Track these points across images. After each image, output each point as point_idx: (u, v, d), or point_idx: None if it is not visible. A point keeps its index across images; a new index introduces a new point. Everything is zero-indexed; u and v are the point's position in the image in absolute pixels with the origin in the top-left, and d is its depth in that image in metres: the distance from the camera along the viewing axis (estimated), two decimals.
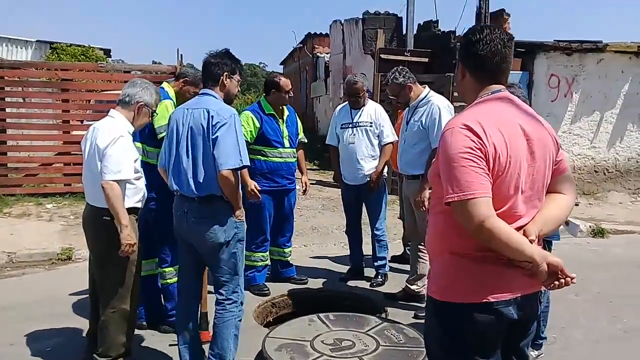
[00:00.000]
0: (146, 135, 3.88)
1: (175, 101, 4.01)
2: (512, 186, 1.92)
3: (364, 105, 5.03)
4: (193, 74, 4.04)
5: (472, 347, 1.98)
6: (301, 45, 21.26)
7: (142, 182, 3.33)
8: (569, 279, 1.91)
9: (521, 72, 9.08)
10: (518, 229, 1.93)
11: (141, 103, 3.32)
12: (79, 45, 18.61)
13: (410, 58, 9.35)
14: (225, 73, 3.21)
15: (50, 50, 18.25)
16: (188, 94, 4.01)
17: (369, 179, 4.95)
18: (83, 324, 4.12)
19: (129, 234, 3.08)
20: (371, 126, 4.96)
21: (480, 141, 1.86)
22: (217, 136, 3.00)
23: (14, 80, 8.30)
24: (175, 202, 3.26)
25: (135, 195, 3.27)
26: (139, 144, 3.89)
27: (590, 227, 7.38)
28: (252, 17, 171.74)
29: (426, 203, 4.17)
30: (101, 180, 3.05)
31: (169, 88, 4.07)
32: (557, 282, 1.92)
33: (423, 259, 4.56)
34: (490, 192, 1.84)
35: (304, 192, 5.15)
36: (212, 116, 3.03)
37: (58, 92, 8.27)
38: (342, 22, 14.17)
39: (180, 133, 3.14)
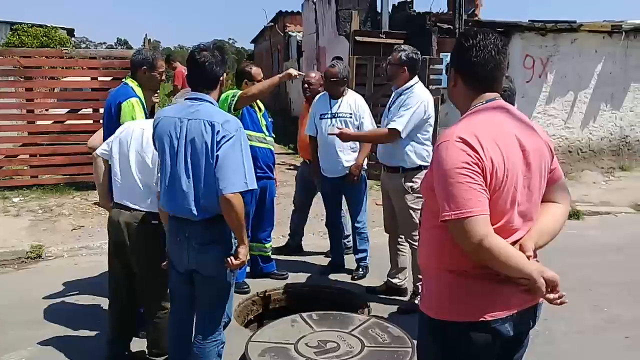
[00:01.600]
0: None
1: (142, 97, 3.81)
2: (508, 200, 1.85)
3: (343, 95, 4.89)
4: (148, 59, 3.79)
5: None
6: (272, 23, 20.87)
7: None
8: (559, 299, 1.88)
9: None
10: (513, 243, 1.87)
11: None
12: (41, 26, 17.89)
13: (385, 40, 9.19)
14: (225, 73, 2.86)
15: (10, 32, 17.53)
16: (155, 80, 3.87)
17: (348, 172, 4.85)
18: (57, 330, 4.00)
19: None
20: (351, 117, 4.82)
21: (477, 155, 1.77)
22: (221, 153, 2.62)
23: None
24: (171, 225, 2.87)
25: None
26: None
27: None
28: None
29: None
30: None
31: (132, 83, 3.81)
32: (552, 296, 1.88)
33: (402, 251, 4.52)
34: (488, 209, 1.76)
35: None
36: (218, 130, 2.63)
37: (21, 80, 7.91)
38: (315, 1, 13.89)
39: (177, 148, 2.72)
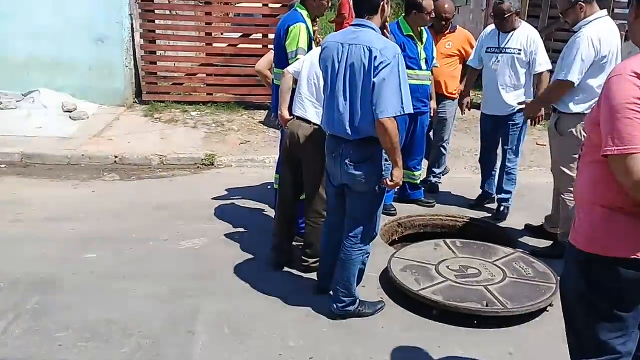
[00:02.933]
0: (281, 61, 4.01)
1: (309, 24, 4.02)
2: None
3: (514, 28, 4.61)
4: None
5: (613, 301, 1.92)
6: None
7: None
8: None
9: None
10: None
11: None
12: None
13: None
14: None
15: None
16: (322, 8, 4.10)
17: (506, 108, 4.67)
18: (225, 226, 4.59)
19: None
20: (519, 54, 4.55)
21: None
22: (378, 79, 2.78)
23: None
24: (328, 141, 3.14)
25: None
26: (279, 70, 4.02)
27: None
28: None
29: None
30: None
31: (302, 10, 4.03)
32: None
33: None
34: None
35: (432, 117, 5.04)
36: (375, 56, 2.79)
37: (201, 5, 8.60)
38: None
39: (337, 71, 2.93)
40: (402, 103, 2.82)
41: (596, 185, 1.91)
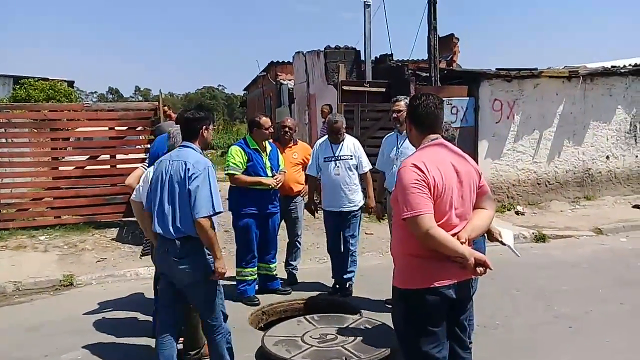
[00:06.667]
0: None
1: None
2: (447, 205, 2.78)
3: (343, 140, 5.81)
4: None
5: (425, 319, 2.82)
6: (264, 73, 22.12)
7: None
8: (487, 268, 2.78)
9: (468, 98, 10.12)
10: (454, 234, 2.79)
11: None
12: (45, 79, 19.07)
13: (369, 88, 10.32)
14: (204, 126, 3.69)
15: (17, 85, 18.59)
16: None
17: (349, 204, 5.70)
18: (103, 338, 4.84)
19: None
20: (351, 158, 5.72)
21: (424, 175, 2.72)
22: (193, 187, 3.44)
23: (4, 123, 8.80)
24: (158, 242, 3.65)
25: None
26: None
27: (533, 233, 8.40)
28: (211, 41, 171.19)
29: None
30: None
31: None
32: (479, 270, 2.78)
33: None
34: (432, 210, 2.70)
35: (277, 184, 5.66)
36: (189, 168, 3.48)
37: (47, 132, 8.86)
38: (305, 53, 15.02)
39: (164, 181, 3.57)
40: (212, 205, 3.45)
41: (402, 241, 2.86)
